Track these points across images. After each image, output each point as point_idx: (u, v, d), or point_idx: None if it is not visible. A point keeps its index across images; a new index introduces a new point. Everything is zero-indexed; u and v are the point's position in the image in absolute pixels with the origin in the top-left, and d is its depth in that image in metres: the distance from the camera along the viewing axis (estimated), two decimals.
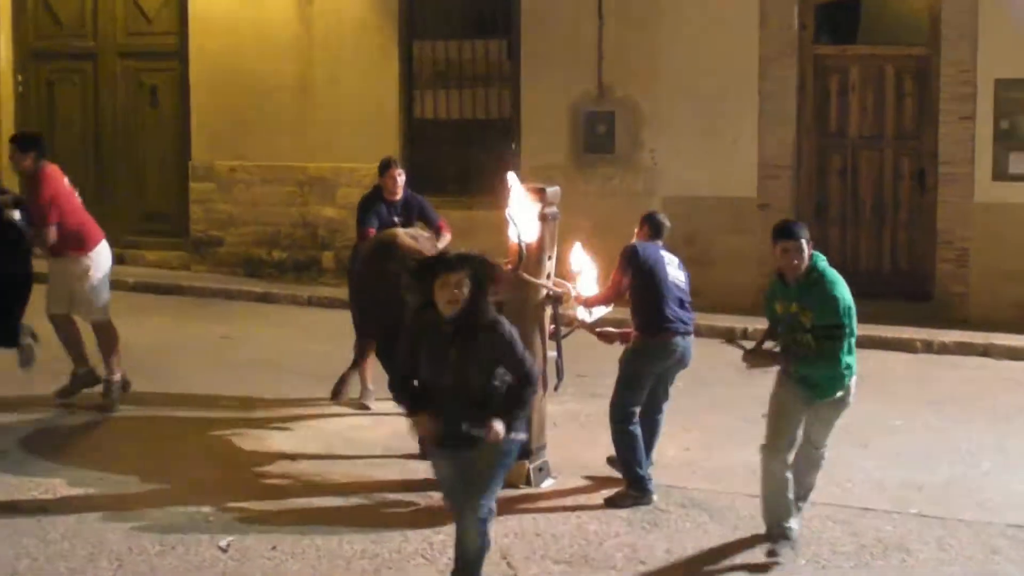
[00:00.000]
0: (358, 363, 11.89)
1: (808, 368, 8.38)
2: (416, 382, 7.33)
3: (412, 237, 11.04)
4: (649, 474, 9.65)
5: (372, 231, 11.58)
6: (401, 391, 7.40)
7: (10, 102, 19.60)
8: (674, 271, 9.81)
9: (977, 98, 15.73)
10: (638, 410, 9.62)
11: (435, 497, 9.71)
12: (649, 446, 9.89)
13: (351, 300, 11.79)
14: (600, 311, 9.96)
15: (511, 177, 9.88)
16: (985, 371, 14.19)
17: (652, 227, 9.87)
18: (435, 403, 7.13)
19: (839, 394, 8.49)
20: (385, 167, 12.15)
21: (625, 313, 9.84)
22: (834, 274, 8.35)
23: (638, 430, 9.60)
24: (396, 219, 11.72)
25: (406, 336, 7.32)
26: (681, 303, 9.75)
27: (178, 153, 18.93)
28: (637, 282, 9.62)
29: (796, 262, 8.15)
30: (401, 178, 12.05)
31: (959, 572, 8.60)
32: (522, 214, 9.68)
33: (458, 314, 6.99)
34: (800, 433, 8.64)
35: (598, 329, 10.07)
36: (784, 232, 8.26)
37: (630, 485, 9.56)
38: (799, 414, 8.52)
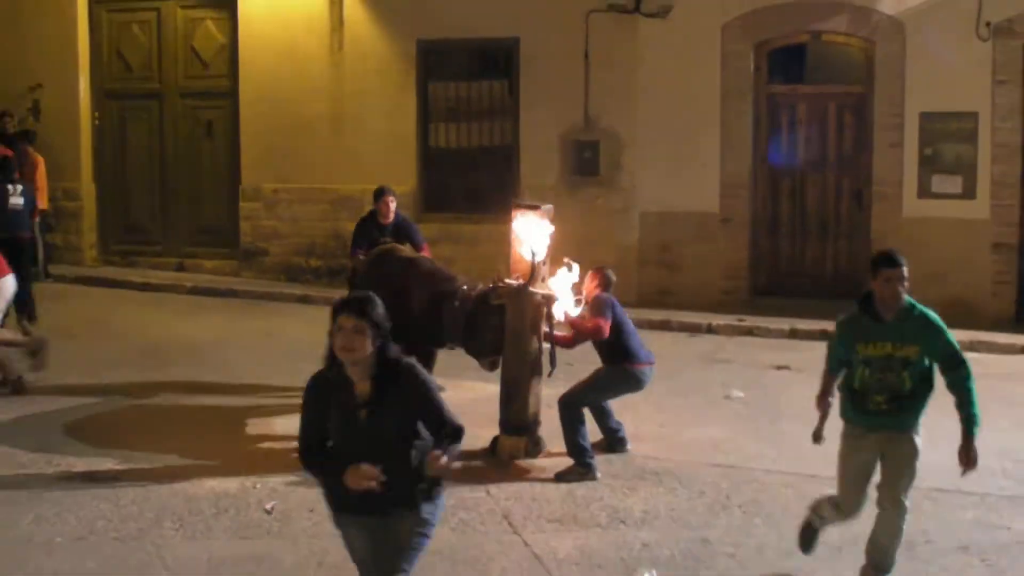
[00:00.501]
0: None
1: (918, 403, 7.32)
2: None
3: (402, 249, 11.14)
4: (591, 452, 9.71)
5: (361, 254, 11.61)
6: (309, 458, 5.78)
7: (88, 135, 19.60)
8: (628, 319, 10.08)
9: (904, 129, 15.76)
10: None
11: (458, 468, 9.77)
12: (615, 435, 10.16)
13: None
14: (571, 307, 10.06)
15: (524, 211, 9.99)
16: None
17: (603, 280, 10.01)
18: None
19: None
20: (379, 194, 12.18)
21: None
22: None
23: (582, 419, 9.71)
24: (387, 240, 11.72)
25: (306, 402, 5.76)
26: (639, 342, 9.99)
27: (230, 177, 18.92)
28: (615, 326, 9.77)
29: (900, 291, 6.99)
30: (393, 204, 12.08)
31: None
32: (535, 238, 9.78)
33: (362, 366, 5.57)
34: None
35: (558, 335, 10.14)
36: (888, 260, 7.04)
37: (577, 462, 9.60)
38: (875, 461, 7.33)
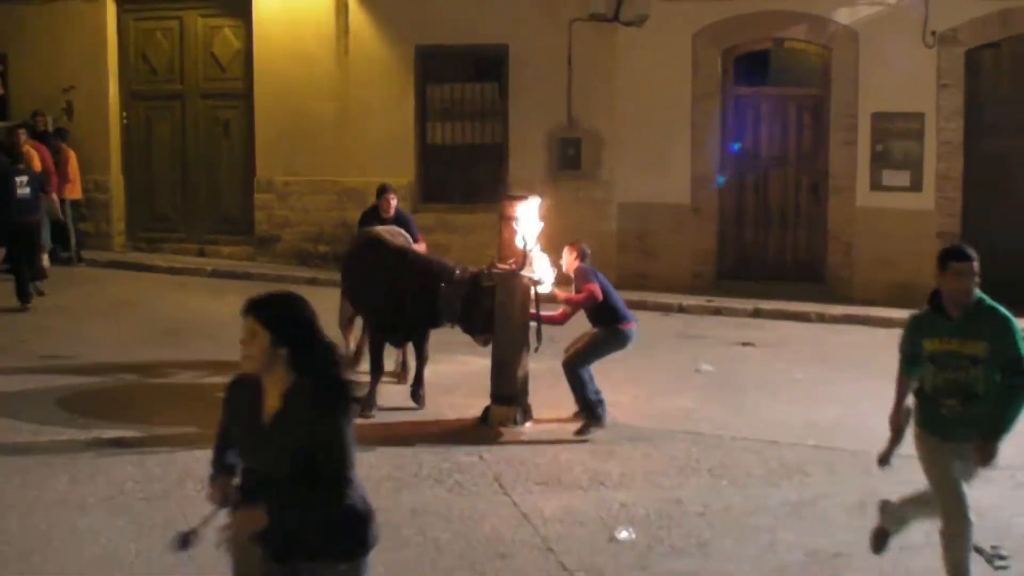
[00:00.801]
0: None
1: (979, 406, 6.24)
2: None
3: (390, 234, 11.12)
4: (601, 406, 9.82)
5: None
6: (213, 470, 4.78)
7: (116, 133, 19.54)
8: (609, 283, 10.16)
9: (858, 128, 15.79)
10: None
11: (439, 434, 9.80)
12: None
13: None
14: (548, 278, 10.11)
15: (516, 202, 10.02)
16: (865, 336, 14.24)
17: (580, 252, 10.07)
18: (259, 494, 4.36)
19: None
20: (381, 192, 12.17)
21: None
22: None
23: (589, 378, 9.79)
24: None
25: (223, 404, 4.70)
26: (623, 304, 10.10)
27: (246, 171, 18.88)
28: (603, 290, 9.86)
29: (970, 286, 6.20)
30: (393, 200, 12.06)
31: (843, 489, 8.66)
32: (528, 228, 9.82)
33: (271, 378, 4.40)
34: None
35: (545, 315, 10.16)
36: (958, 254, 6.29)
37: (588, 415, 9.74)
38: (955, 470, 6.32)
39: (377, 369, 10.54)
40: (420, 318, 10.37)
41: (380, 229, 11.25)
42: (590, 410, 9.76)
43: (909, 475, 8.94)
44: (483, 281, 10.03)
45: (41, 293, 15.65)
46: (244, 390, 4.54)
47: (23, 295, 14.97)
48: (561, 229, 10.78)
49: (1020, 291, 15.01)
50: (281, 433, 4.36)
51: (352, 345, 11.82)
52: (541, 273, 10.01)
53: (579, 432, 9.71)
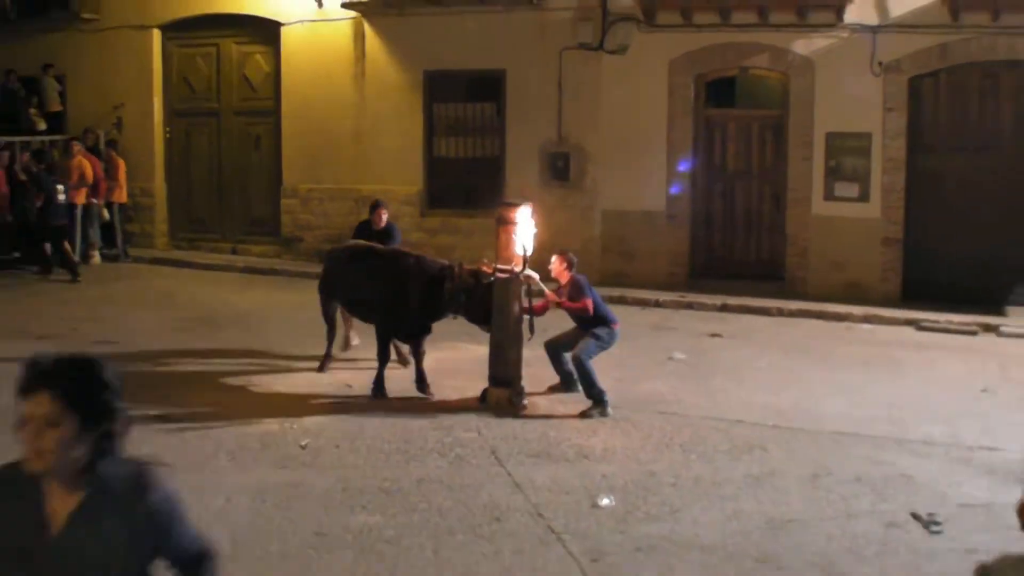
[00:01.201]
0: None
1: None
2: None
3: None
4: (606, 394, 9.83)
5: None
6: None
7: (160, 145, 19.53)
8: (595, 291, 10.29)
9: (813, 146, 15.78)
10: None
11: (442, 413, 9.80)
12: (570, 378, 10.25)
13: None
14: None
15: (514, 211, 10.03)
16: (819, 329, 14.25)
17: (569, 262, 10.12)
18: None
19: None
20: (374, 207, 12.14)
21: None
22: None
23: (593, 367, 9.81)
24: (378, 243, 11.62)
25: None
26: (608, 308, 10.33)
27: (273, 180, 18.86)
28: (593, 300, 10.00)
29: None
30: (385, 215, 12.04)
31: (799, 461, 8.67)
32: (526, 235, 9.85)
33: (60, 471, 2.84)
34: None
35: (538, 303, 10.17)
36: None
37: (595, 402, 9.76)
38: None
39: (385, 358, 10.53)
40: (427, 312, 10.36)
41: (368, 244, 11.30)
42: (598, 398, 9.77)
43: (868, 451, 8.96)
44: (483, 278, 10.04)
45: (76, 280, 16.40)
46: (6, 492, 2.94)
47: (73, 273, 16.48)
48: (551, 233, 10.81)
49: (956, 289, 15.13)
50: (80, 545, 2.89)
51: (349, 333, 11.93)
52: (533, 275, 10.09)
53: (584, 413, 9.71)
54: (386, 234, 11.82)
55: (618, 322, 10.13)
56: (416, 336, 10.58)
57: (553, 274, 10.16)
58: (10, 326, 13.16)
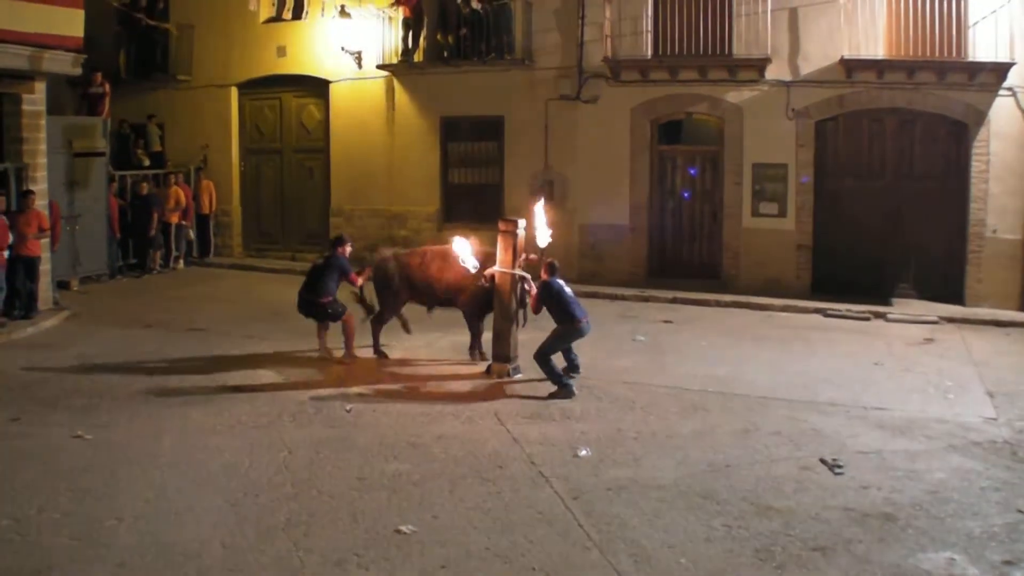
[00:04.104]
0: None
1: None
2: None
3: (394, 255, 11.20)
4: (568, 378, 9.55)
5: (355, 277, 10.90)
6: None
7: (236, 177, 19.36)
8: (570, 289, 9.78)
9: (743, 173, 15.71)
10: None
11: (466, 385, 9.75)
12: (574, 365, 9.96)
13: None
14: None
15: (510, 225, 9.99)
16: (747, 316, 14.19)
17: (550, 269, 9.72)
18: None
19: None
20: (337, 243, 11.18)
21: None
22: None
23: (553, 361, 9.50)
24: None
25: None
26: (579, 305, 9.69)
27: (324, 202, 18.74)
28: (554, 301, 9.55)
29: None
30: (348, 248, 11.04)
31: (733, 419, 8.64)
32: (543, 235, 10.09)
33: None
34: None
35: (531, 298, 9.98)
36: None
37: (558, 387, 9.40)
38: None
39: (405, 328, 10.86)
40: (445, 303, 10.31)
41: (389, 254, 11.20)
42: (558, 381, 9.42)
43: (787, 411, 8.93)
44: (483, 282, 10.04)
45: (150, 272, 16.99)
46: None
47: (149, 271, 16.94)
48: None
49: (853, 284, 15.12)
50: None
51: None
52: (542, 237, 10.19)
53: (551, 395, 9.31)
54: (326, 265, 10.91)
55: (583, 318, 9.56)
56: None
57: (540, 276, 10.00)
58: (125, 317, 13.13)
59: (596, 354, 10.98)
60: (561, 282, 9.72)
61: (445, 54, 17.18)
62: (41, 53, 12.45)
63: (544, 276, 9.71)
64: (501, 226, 10.12)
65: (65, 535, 5.96)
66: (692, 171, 16.27)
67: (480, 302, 10.44)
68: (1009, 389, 9.88)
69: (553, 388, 9.41)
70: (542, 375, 9.53)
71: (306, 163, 19.04)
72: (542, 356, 9.48)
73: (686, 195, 16.31)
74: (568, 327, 9.60)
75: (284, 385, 9.56)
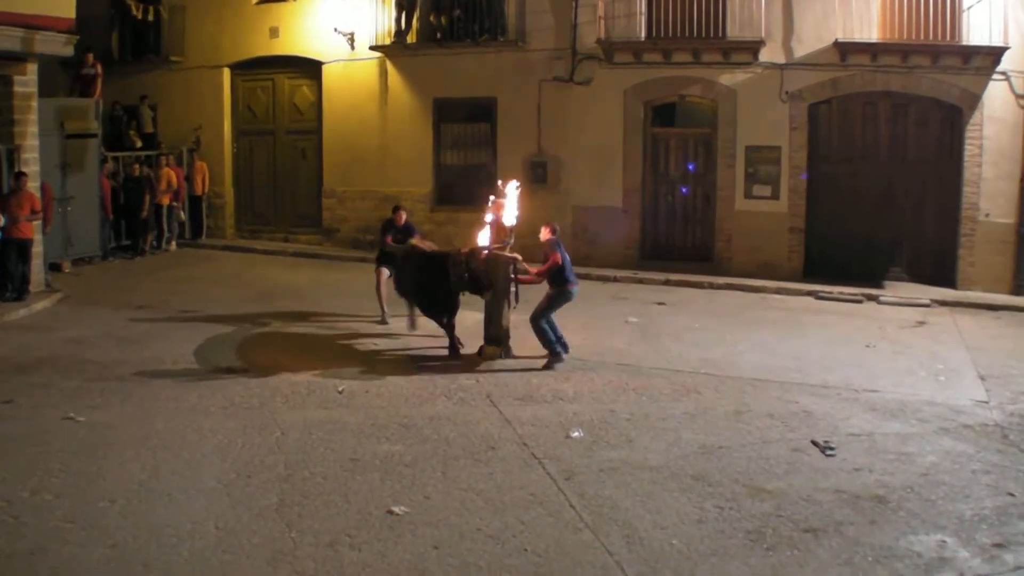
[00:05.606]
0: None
1: None
2: None
3: (420, 242, 11.06)
4: (560, 344, 9.71)
5: (389, 239, 11.36)
6: None
7: (229, 158, 19.28)
8: (567, 254, 9.96)
9: (736, 156, 15.68)
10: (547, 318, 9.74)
11: (449, 364, 9.72)
12: (562, 343, 9.95)
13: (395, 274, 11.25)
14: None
15: (499, 202, 9.98)
16: (740, 300, 14.20)
17: (553, 229, 9.92)
18: None
19: None
20: (395, 209, 11.76)
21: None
22: None
23: (547, 326, 9.66)
24: (399, 235, 11.38)
25: None
26: (571, 270, 9.88)
27: (317, 183, 18.67)
28: (562, 259, 9.72)
29: None
30: (404, 216, 11.67)
31: (725, 400, 8.64)
32: (510, 216, 10.04)
33: None
34: None
35: (522, 278, 10.05)
36: None
37: (551, 354, 9.62)
38: None
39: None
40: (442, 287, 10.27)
41: (414, 240, 11.13)
42: (552, 350, 9.64)
43: (779, 393, 8.93)
44: (472, 261, 9.98)
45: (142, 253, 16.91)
46: None
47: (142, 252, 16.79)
48: (534, 224, 10.67)
49: (845, 267, 15.13)
50: None
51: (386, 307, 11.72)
52: (508, 217, 10.04)
53: (545, 366, 9.59)
54: (407, 230, 11.65)
55: (576, 283, 9.81)
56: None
57: (541, 238, 9.95)
58: (117, 299, 13.08)
59: (589, 335, 10.96)
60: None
61: (438, 35, 17.10)
62: (33, 34, 12.33)
63: (549, 235, 9.83)
64: (490, 206, 10.15)
65: (58, 517, 5.94)
66: (691, 166, 16.22)
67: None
68: (1000, 372, 9.90)
69: (545, 361, 9.58)
70: (532, 355, 9.52)
71: (298, 144, 18.97)
72: (536, 321, 9.62)
73: (684, 190, 16.27)
74: (561, 289, 9.71)
75: (276, 367, 9.52)
